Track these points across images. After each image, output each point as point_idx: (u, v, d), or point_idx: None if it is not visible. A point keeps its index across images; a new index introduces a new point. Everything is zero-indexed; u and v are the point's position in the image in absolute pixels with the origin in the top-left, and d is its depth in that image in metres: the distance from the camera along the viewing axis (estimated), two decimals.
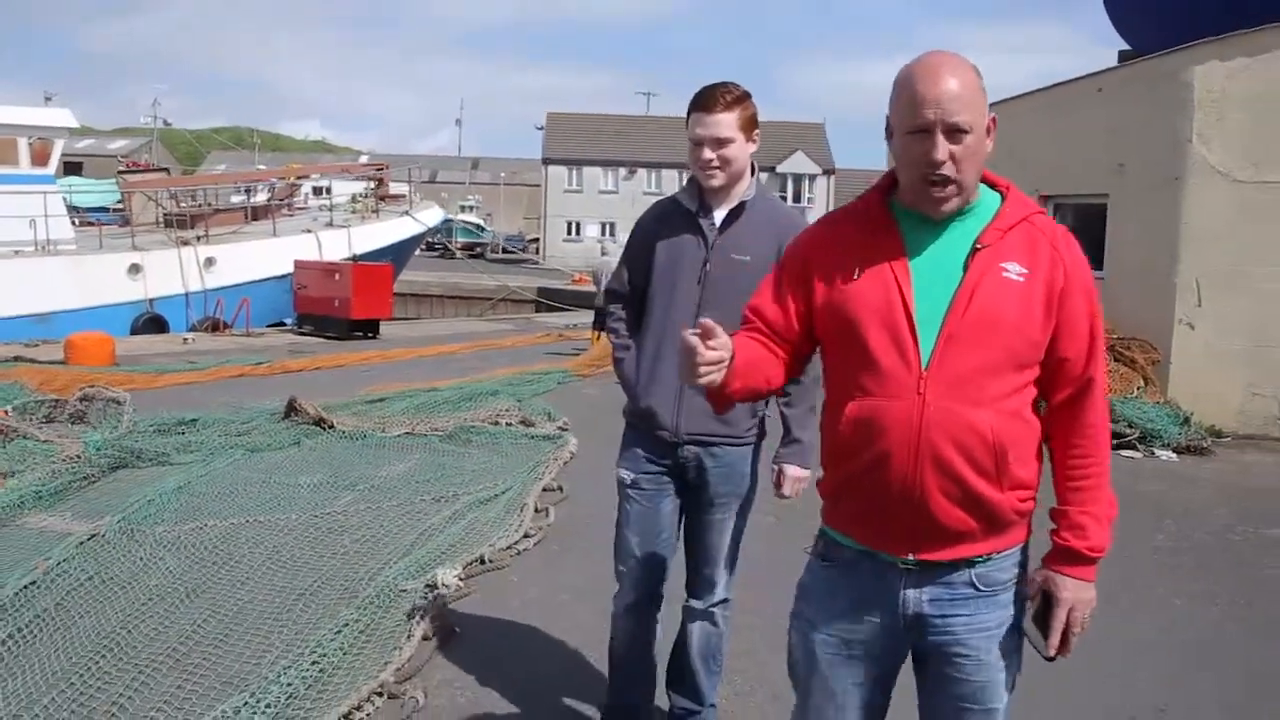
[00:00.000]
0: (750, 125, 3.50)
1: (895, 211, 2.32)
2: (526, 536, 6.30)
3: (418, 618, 4.81)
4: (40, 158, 21.60)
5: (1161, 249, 10.44)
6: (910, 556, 2.26)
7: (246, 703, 3.93)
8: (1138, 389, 10.04)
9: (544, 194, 63.91)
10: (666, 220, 3.65)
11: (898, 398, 2.20)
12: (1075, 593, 2.27)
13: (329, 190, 37.42)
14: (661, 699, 3.86)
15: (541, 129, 65.03)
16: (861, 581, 2.33)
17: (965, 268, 2.22)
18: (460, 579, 5.37)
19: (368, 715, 3.96)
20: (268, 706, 3.91)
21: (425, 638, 4.67)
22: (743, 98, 3.47)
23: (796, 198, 60.03)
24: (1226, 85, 10.00)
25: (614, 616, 3.78)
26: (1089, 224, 11.67)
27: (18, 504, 6.72)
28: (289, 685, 4.10)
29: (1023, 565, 2.34)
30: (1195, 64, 10.09)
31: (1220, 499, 7.94)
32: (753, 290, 2.66)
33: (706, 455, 3.56)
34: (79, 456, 7.82)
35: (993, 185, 2.34)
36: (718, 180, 3.50)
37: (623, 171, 61.79)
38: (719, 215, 3.55)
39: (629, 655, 3.77)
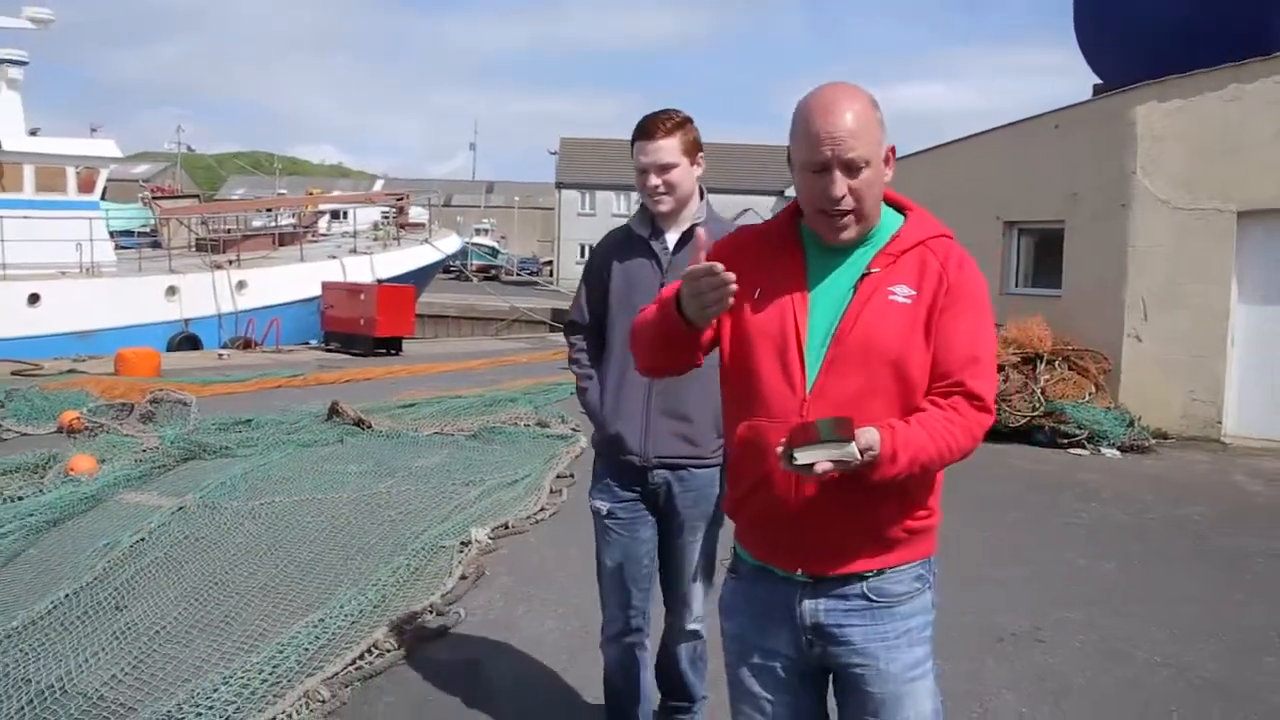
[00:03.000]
0: (693, 149, 3.55)
1: (803, 235, 2.38)
2: (543, 510, 7.51)
3: (457, 562, 6.03)
4: (86, 186, 22.99)
5: (1111, 269, 11.60)
6: (800, 571, 2.32)
7: (328, 614, 5.15)
8: (1088, 395, 11.19)
9: (557, 217, 65.04)
10: (621, 247, 3.71)
11: (781, 419, 2.23)
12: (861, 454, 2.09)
13: (345, 215, 38.82)
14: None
15: (555, 154, 66.28)
16: (762, 593, 2.39)
17: (854, 291, 2.27)
18: (490, 538, 6.60)
19: (422, 623, 5.16)
20: (347, 615, 5.14)
21: (463, 577, 5.88)
22: (683, 123, 3.52)
23: None
24: (1164, 123, 11.21)
25: (603, 646, 3.79)
26: (1048, 247, 12.88)
27: (113, 484, 7.95)
28: (360, 605, 5.33)
29: (923, 578, 2.36)
30: (1138, 104, 11.32)
31: (1146, 488, 9.08)
32: None
33: (675, 479, 3.58)
34: (157, 448, 9.10)
35: (899, 208, 2.39)
36: (665, 205, 3.56)
37: (635, 195, 62.38)
38: (671, 238, 3.62)
39: (622, 688, 3.78)
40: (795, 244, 2.36)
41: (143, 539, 6.53)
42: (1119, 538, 7.45)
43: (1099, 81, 14.82)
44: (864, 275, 2.27)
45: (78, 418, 10.39)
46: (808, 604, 2.31)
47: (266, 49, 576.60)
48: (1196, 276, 11.17)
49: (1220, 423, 11.21)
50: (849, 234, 2.27)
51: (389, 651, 4.76)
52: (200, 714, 4.04)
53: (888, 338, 2.22)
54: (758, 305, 2.32)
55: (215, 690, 4.25)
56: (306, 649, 4.72)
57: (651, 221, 3.63)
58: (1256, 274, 11.07)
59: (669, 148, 3.49)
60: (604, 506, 3.67)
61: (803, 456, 2.04)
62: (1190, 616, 5.75)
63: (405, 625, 5.03)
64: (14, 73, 22.41)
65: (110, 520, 7.11)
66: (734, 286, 2.17)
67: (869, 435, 2.09)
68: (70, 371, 16.33)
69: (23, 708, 4.18)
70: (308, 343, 23.86)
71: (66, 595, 5.47)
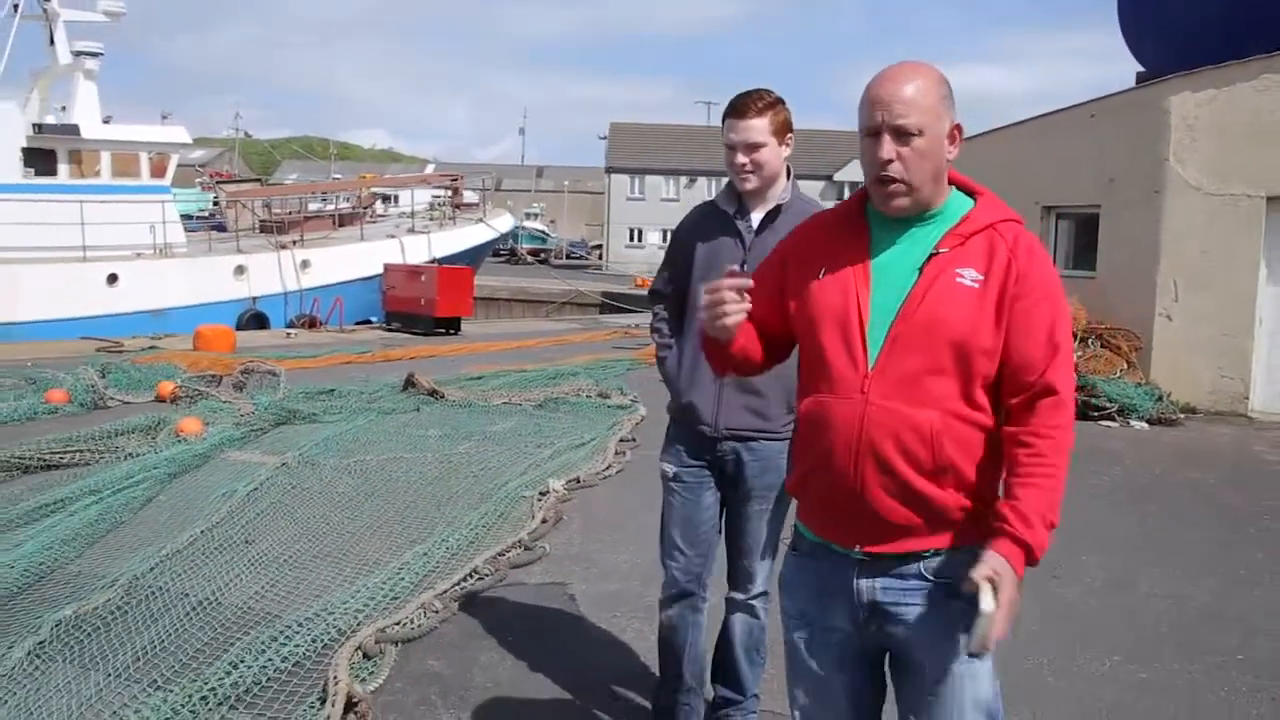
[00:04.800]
0: (783, 130, 3.59)
1: (870, 215, 2.40)
2: (609, 468, 8.27)
3: (537, 508, 6.81)
4: (159, 170, 24.03)
5: (1144, 252, 12.16)
6: (858, 548, 2.33)
7: (431, 548, 5.94)
8: (1120, 371, 11.78)
9: (607, 201, 65.91)
10: (705, 223, 3.79)
11: (843, 397, 2.29)
12: (1014, 590, 2.15)
13: (396, 198, 39.80)
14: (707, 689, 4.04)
15: (605, 139, 67.10)
16: (822, 570, 2.41)
17: (920, 271, 2.28)
18: (564, 489, 7.37)
19: (511, 556, 5.93)
20: (448, 549, 5.93)
21: (543, 520, 6.65)
22: (775, 103, 3.56)
23: None
24: (1197, 113, 11.74)
25: (661, 603, 3.90)
26: (1085, 230, 13.46)
27: (219, 444, 8.79)
28: (457, 541, 6.12)
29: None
30: (1171, 94, 11.86)
31: (1169, 456, 9.70)
32: None
33: (744, 449, 3.66)
34: (252, 413, 9.96)
35: (969, 191, 2.40)
36: (751, 183, 3.60)
37: (684, 180, 63.47)
38: (755, 217, 3.67)
39: (678, 641, 3.87)
40: (861, 224, 2.40)
41: (255, 488, 7.36)
42: (1137, 498, 8.08)
43: (1141, 70, 15.36)
44: (931, 256, 2.29)
45: (176, 387, 11.30)
46: (864, 582, 2.34)
47: (318, 34, 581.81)
48: (1226, 259, 11.72)
49: (1247, 398, 11.78)
50: (899, 203, 2.29)
51: (488, 575, 5.55)
52: (337, 619, 4.83)
53: (953, 319, 2.24)
54: (824, 283, 2.37)
55: (345, 602, 5.06)
56: (416, 573, 5.53)
57: (738, 199, 3.69)
58: None
59: (759, 127, 3.53)
60: (671, 469, 3.80)
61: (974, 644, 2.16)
62: (1192, 560, 6.43)
63: (499, 556, 5.81)
64: (91, 64, 23.43)
65: (221, 474, 7.93)
66: (732, 309, 2.34)
67: (991, 562, 2.16)
68: (151, 348, 17.28)
69: (188, 613, 5.02)
70: (369, 321, 24.70)
71: (202, 531, 6.31)
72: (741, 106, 3.53)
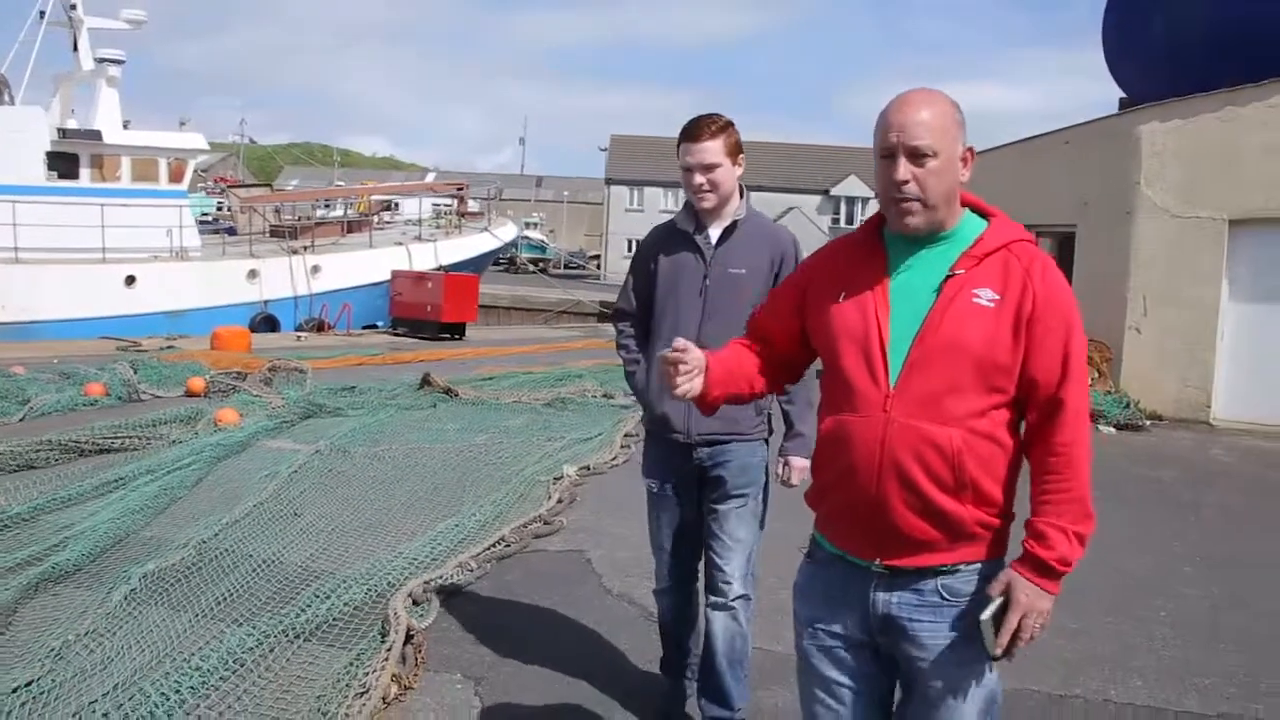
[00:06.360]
0: (735, 151, 3.79)
1: (886, 238, 2.47)
2: (616, 458, 9.05)
3: (554, 489, 7.59)
4: (176, 176, 24.81)
5: (1116, 268, 12.99)
6: (877, 561, 2.39)
7: (461, 520, 6.71)
8: (1092, 380, 12.58)
9: (606, 212, 66.63)
10: (666, 241, 3.97)
11: (866, 414, 2.34)
12: (1032, 599, 2.29)
13: (397, 206, 40.62)
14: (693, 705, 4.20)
15: (605, 150, 67.86)
16: (836, 578, 2.48)
17: (938, 292, 2.34)
18: (577, 474, 8.15)
19: (533, 529, 6.70)
20: (476, 521, 6.70)
21: (559, 500, 7.42)
22: (726, 126, 3.76)
23: (850, 220, 61.69)
24: (1165, 141, 12.60)
25: (656, 595, 4.21)
26: (1062, 249, 14.27)
27: (254, 433, 9.55)
28: (484, 515, 6.89)
29: (991, 579, 2.40)
30: (1141, 124, 12.73)
31: (1130, 456, 10.51)
32: (749, 300, 3.32)
33: (719, 453, 3.83)
34: (282, 406, 10.73)
35: (983, 214, 2.47)
36: (709, 202, 3.80)
37: (683, 192, 63.71)
38: (714, 233, 3.86)
39: (675, 622, 4.17)
40: (878, 247, 2.47)
41: (295, 471, 8.13)
42: (1098, 490, 8.82)
43: (1124, 96, 16.20)
44: (948, 277, 2.35)
45: (208, 382, 12.08)
46: (881, 595, 2.40)
47: (318, 41, 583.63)
48: (1191, 277, 12.56)
49: (1209, 407, 12.61)
50: (914, 220, 2.35)
51: (513, 543, 6.32)
52: (387, 574, 5.60)
53: (971, 339, 2.29)
54: (844, 306, 2.43)
55: (392, 561, 5.83)
56: (451, 540, 6.30)
57: (696, 217, 3.89)
58: (1245, 276, 12.49)
59: (713, 149, 3.74)
60: (654, 485, 4.01)
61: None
62: (1135, 541, 7.23)
63: (522, 528, 6.59)
64: (113, 71, 24.22)
65: (261, 460, 8.69)
66: (681, 380, 2.49)
67: (1004, 577, 2.34)
68: (169, 347, 17.99)
69: (254, 570, 5.78)
70: (375, 326, 25.42)
71: (254, 505, 7.07)
72: (696, 130, 3.76)
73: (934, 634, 2.37)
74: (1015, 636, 2.30)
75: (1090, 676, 4.88)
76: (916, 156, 2.30)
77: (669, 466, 3.94)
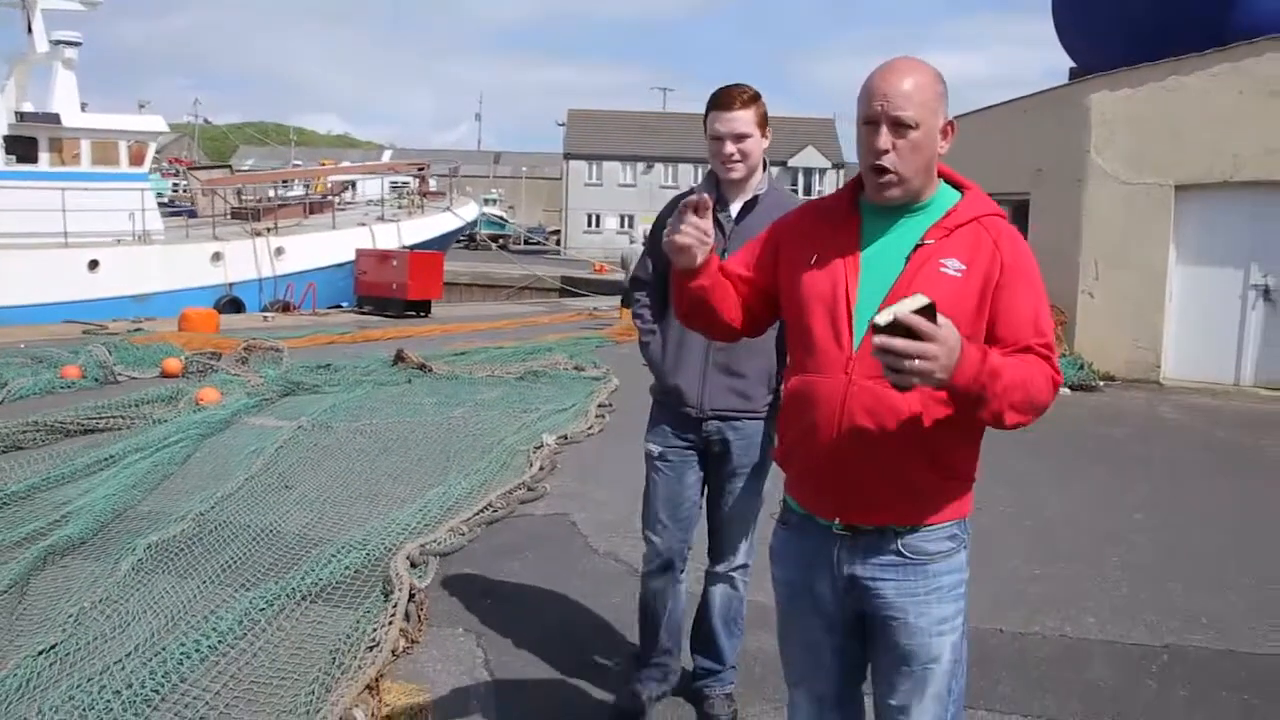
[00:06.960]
0: (764, 122, 3.73)
1: (861, 206, 2.47)
2: (591, 428, 9.35)
3: (534, 457, 7.88)
4: (137, 159, 24.64)
5: (1069, 234, 13.38)
6: (837, 521, 2.44)
7: (448, 489, 6.99)
8: None
9: (565, 188, 66.65)
10: None
11: (828, 375, 2.38)
12: (950, 346, 2.06)
13: (355, 186, 40.52)
14: (687, 660, 4.25)
15: (563, 125, 67.78)
16: (806, 542, 2.53)
17: (907, 260, 2.37)
18: (556, 443, 8.45)
19: (518, 494, 6.99)
20: (463, 489, 6.99)
21: (541, 468, 7.71)
22: (756, 96, 3.70)
23: (807, 190, 62.12)
24: (1115, 109, 12.99)
25: (643, 577, 4.10)
26: (1018, 216, 14.65)
27: (236, 411, 9.75)
28: (470, 484, 7.17)
29: (956, 538, 2.46)
30: (1092, 93, 13.10)
31: (1085, 414, 10.94)
32: None
33: (729, 428, 3.82)
34: (261, 384, 10.94)
35: (957, 186, 2.48)
36: (738, 173, 3.72)
37: (641, 166, 64.40)
38: (735, 207, 3.78)
39: (658, 612, 4.06)
40: (853, 212, 2.48)
41: (281, 446, 8.36)
42: (1051, 449, 9.26)
43: (1074, 65, 16.60)
44: (917, 246, 2.37)
45: (184, 362, 12.24)
46: (844, 555, 2.45)
47: (269, 19, 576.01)
48: (1140, 242, 12.98)
49: (1159, 367, 13.07)
50: (891, 193, 2.37)
51: (501, 509, 6.62)
52: (383, 540, 5.87)
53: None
54: (814, 269, 2.45)
55: (387, 527, 6.10)
56: (440, 507, 6.58)
57: (718, 189, 3.80)
58: (1191, 240, 12.92)
59: (745, 119, 3.66)
60: (656, 449, 3.97)
61: (882, 316, 2.05)
62: (1089, 493, 7.65)
63: (509, 493, 6.88)
64: (70, 53, 23.95)
65: (245, 436, 8.90)
66: (690, 229, 2.41)
67: (951, 329, 2.09)
68: (137, 330, 18.02)
69: (254, 539, 6.04)
70: (340, 306, 25.48)
71: (246, 479, 7.31)
72: (726, 99, 3.67)
73: (898, 592, 2.42)
74: (903, 356, 2.04)
75: (1049, 616, 5.27)
76: (898, 127, 2.31)
77: (675, 435, 3.92)
